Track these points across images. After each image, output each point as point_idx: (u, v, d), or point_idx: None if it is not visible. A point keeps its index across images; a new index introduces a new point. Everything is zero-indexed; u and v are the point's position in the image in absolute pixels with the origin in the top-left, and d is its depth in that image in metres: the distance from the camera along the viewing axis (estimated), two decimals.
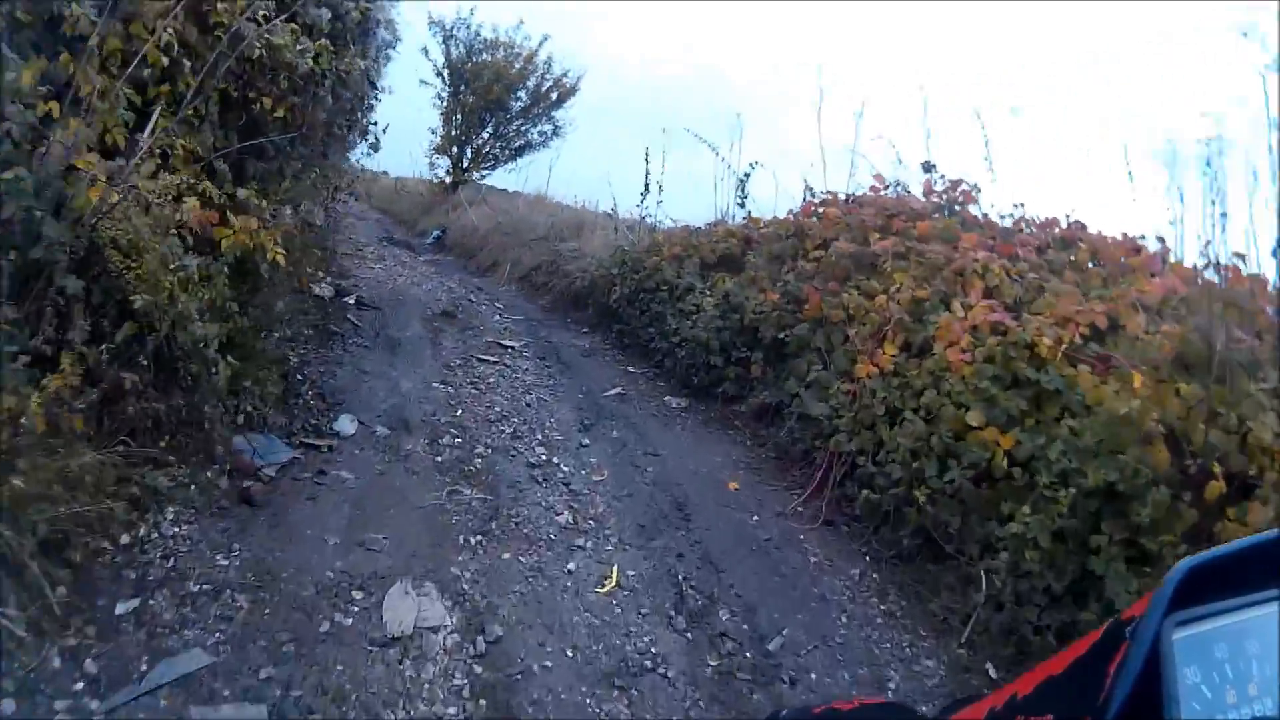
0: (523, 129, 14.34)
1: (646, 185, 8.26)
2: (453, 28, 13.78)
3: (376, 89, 5.92)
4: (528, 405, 5.33)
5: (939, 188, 5.93)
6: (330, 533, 3.40)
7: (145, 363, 3.08)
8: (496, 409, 5.14)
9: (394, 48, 6.52)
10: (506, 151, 14.54)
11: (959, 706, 0.84)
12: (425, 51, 13.99)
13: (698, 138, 7.64)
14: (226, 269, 3.39)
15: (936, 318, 4.40)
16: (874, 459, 4.29)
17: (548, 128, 14.36)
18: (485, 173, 14.90)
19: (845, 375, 4.80)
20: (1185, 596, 0.54)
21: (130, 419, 3.33)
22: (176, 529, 3.21)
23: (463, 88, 13.76)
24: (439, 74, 14.04)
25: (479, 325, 7.19)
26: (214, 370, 3.18)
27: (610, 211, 9.08)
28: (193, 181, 3.25)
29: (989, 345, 3.98)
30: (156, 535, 3.14)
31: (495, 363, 6.13)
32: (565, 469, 4.48)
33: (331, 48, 4.00)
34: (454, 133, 14.28)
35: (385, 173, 17.92)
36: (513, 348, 6.65)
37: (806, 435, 4.93)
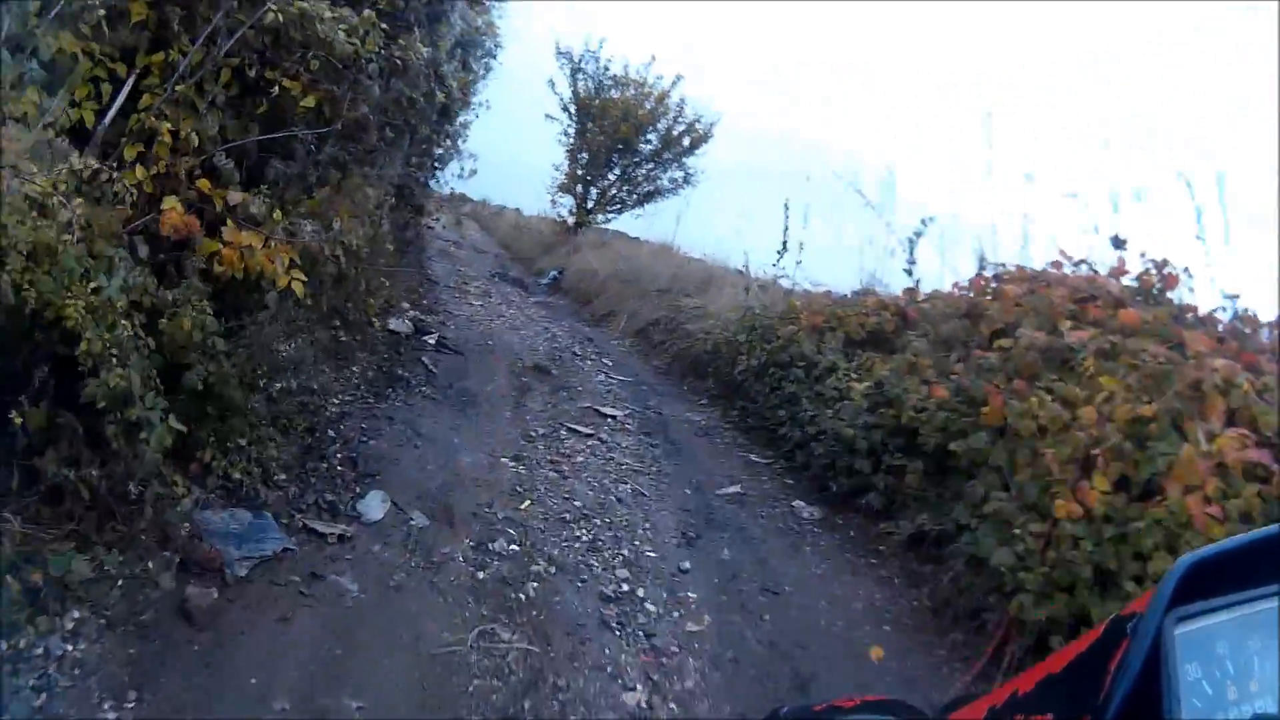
0: (652, 174, 13.49)
1: (785, 242, 7.20)
2: (580, 60, 13.23)
3: (446, 86, 4.98)
4: (619, 500, 4.10)
5: (1134, 268, 4.72)
6: (285, 686, 2.27)
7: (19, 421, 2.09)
8: (577, 503, 3.93)
9: (495, 56, 5.65)
10: (634, 196, 13.72)
11: (960, 704, 0.81)
12: (551, 84, 13.53)
13: (854, 189, 6.41)
14: (197, 294, 2.41)
15: (1168, 448, 3.32)
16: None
17: (678, 174, 13.45)
18: (610, 216, 14.16)
19: (1035, 511, 3.58)
20: (1186, 592, 0.53)
21: (48, 478, 2.39)
22: (69, 646, 2.23)
23: (589, 124, 13.05)
24: (565, 109, 13.46)
25: (578, 385, 6.08)
26: (143, 435, 2.16)
27: (742, 268, 8.07)
28: (161, 174, 2.31)
29: (1246, 496, 3.05)
30: (40, 651, 2.16)
31: (589, 436, 4.97)
32: (651, 608, 3.20)
33: (384, 26, 3.12)
34: (579, 171, 13.60)
35: (518, 210, 17.85)
36: (614, 418, 5.48)
37: (978, 586, 3.63)
